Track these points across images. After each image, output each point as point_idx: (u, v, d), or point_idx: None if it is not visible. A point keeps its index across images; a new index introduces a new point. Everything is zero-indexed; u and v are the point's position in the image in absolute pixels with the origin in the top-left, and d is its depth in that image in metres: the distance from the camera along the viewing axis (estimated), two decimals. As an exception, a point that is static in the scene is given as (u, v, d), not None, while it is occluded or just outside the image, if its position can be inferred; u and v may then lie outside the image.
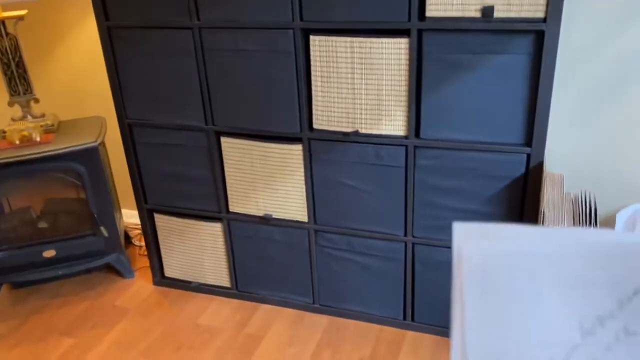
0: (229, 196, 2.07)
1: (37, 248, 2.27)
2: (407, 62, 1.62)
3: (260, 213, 2.05)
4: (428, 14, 1.55)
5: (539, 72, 1.51)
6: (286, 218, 2.02)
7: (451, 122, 1.67)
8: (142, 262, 2.53)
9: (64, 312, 2.26)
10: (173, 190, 2.14)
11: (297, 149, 1.88)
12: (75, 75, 2.53)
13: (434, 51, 1.59)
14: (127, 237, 2.69)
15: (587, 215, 1.80)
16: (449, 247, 1.84)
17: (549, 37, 1.46)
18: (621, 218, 1.88)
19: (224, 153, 2.00)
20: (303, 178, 1.92)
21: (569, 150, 1.92)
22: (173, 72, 1.90)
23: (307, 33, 1.71)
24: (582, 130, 1.86)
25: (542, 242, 0.33)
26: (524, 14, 1.45)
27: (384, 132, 1.75)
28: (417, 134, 1.73)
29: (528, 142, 1.62)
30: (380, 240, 1.93)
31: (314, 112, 1.81)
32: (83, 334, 2.14)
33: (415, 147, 1.74)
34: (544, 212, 1.56)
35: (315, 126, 1.83)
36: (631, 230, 1.87)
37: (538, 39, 1.48)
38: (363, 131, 1.77)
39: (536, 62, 1.51)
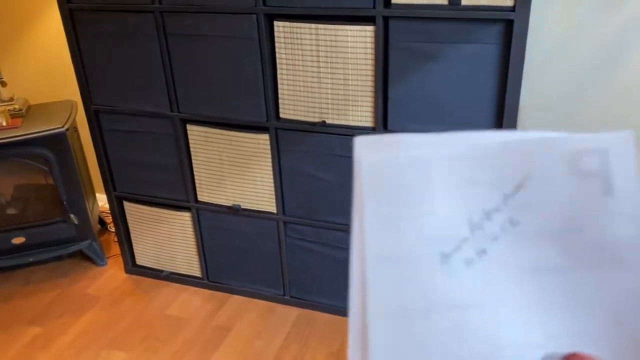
0: (197, 185, 2.02)
1: (6, 235, 2.24)
2: (373, 50, 1.55)
3: (229, 203, 2.00)
4: (394, 0, 1.47)
5: (508, 61, 1.43)
6: (255, 209, 1.97)
7: (419, 114, 1.60)
8: (117, 249, 2.50)
9: (33, 300, 2.23)
10: (141, 178, 2.09)
11: (264, 139, 1.82)
12: (47, 58, 2.46)
13: (401, 40, 1.52)
14: (103, 223, 2.65)
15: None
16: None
17: (518, 26, 1.38)
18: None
19: (190, 141, 1.94)
20: (271, 168, 1.87)
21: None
22: (137, 57, 1.84)
23: (271, 19, 1.64)
24: (563, 120, 1.79)
25: (435, 147, 0.35)
26: (492, 2, 1.38)
27: (351, 123, 1.69)
28: (385, 126, 1.67)
29: (497, 136, 1.55)
30: (350, 233, 1.87)
31: (280, 101, 1.75)
32: (50, 322, 2.11)
33: (383, 138, 1.67)
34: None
35: (282, 115, 1.77)
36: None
37: (507, 28, 1.41)
38: (330, 122, 1.71)
39: (505, 52, 1.44)
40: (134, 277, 2.35)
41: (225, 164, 1.92)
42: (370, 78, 1.60)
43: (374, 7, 1.50)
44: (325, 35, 1.58)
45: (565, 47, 1.67)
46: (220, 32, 1.68)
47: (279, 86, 1.72)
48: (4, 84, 2.21)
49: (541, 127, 1.82)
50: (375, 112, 1.64)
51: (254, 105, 1.77)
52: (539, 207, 0.34)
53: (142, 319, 2.10)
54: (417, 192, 0.36)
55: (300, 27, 1.60)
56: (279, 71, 1.70)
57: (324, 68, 1.63)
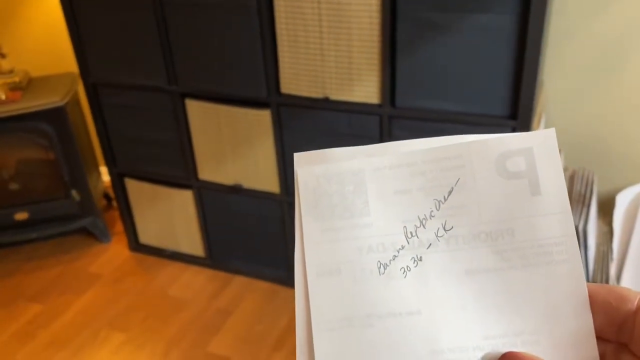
0: (198, 163, 1.94)
1: (9, 210, 2.20)
2: (380, 20, 1.43)
3: (231, 182, 1.92)
4: (401, -36, 1.34)
5: (526, 33, 1.30)
6: (257, 189, 1.89)
7: (429, 90, 1.48)
8: (121, 226, 2.45)
9: (35, 277, 2.21)
10: (142, 155, 2.02)
11: (264, 115, 1.73)
12: (49, 29, 2.39)
13: (409, 8, 1.39)
14: (109, 199, 2.61)
15: (583, 194, 1.62)
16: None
17: (538, -6, 1.25)
18: (623, 199, 1.69)
19: (189, 116, 1.85)
20: (273, 146, 1.77)
21: (571, 122, 1.72)
22: (133, 28, 1.74)
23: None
24: (586, 100, 1.65)
25: (368, 157, 0.36)
26: (509, -34, 1.24)
27: (355, 100, 1.58)
28: (392, 103, 1.55)
29: (513, 115, 1.43)
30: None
31: (281, 75, 1.64)
32: (52, 300, 2.08)
33: (390, 117, 1.56)
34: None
35: (283, 90, 1.67)
36: (634, 215, 1.68)
37: (526, -4, 1.27)
38: (334, 97, 1.60)
39: (523, 23, 1.30)
40: (137, 255, 2.30)
41: (225, 141, 1.84)
42: (377, 51, 1.48)
43: (380, -27, 1.38)
44: (328, 2, 1.46)
45: (594, 20, 1.52)
46: (218, 1, 1.58)
47: (280, 59, 1.61)
48: (3, 56, 2.15)
49: (561, 108, 1.69)
50: (382, 88, 1.53)
51: (253, 80, 1.67)
52: (470, 211, 0.34)
53: (143, 299, 2.06)
54: (352, 204, 0.36)
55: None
56: (279, 43, 1.59)
57: (327, 40, 1.51)
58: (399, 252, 0.35)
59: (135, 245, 2.30)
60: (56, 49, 2.41)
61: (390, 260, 0.35)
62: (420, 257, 0.35)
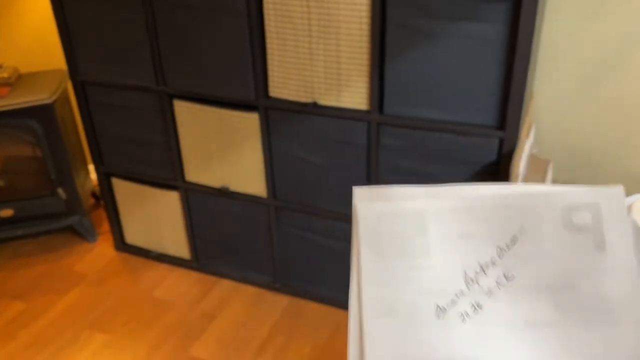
0: (185, 164, 1.92)
1: (-6, 207, 2.18)
2: (369, 26, 1.42)
3: (218, 184, 1.90)
4: (391, -30, 1.33)
5: (515, 43, 1.29)
6: (244, 192, 1.87)
7: (418, 98, 1.47)
8: (108, 225, 2.43)
9: (20, 275, 2.18)
10: (129, 155, 2.00)
11: (252, 118, 1.71)
12: (40, 24, 2.37)
13: (398, 14, 1.38)
14: (98, 197, 2.58)
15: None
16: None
17: (527, 4, 1.23)
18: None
19: (177, 117, 1.83)
20: (260, 150, 1.75)
21: (561, 133, 1.71)
22: (122, 26, 1.73)
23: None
24: (577, 110, 1.64)
25: (431, 198, 0.36)
26: (499, -25, 1.23)
27: (344, 105, 1.56)
28: (380, 110, 1.54)
29: (501, 125, 1.42)
30: (342, 222, 1.77)
31: (269, 78, 1.62)
32: (34, 299, 2.05)
33: (379, 124, 1.55)
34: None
35: (271, 94, 1.65)
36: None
37: (515, 7, 1.26)
38: (322, 102, 1.58)
39: (512, 34, 1.29)
40: (123, 255, 2.28)
41: (213, 143, 1.82)
42: (366, 57, 1.46)
43: (369, -22, 1.36)
44: (318, 6, 1.44)
45: (585, 31, 1.51)
46: (207, 3, 1.56)
47: (269, 63, 1.60)
48: (-9, 51, 2.12)
49: (552, 119, 1.67)
50: (371, 94, 1.51)
51: (242, 82, 1.65)
52: (533, 261, 0.34)
53: (127, 300, 2.03)
54: (412, 245, 0.36)
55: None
56: (268, 46, 1.57)
57: (316, 45, 1.50)
58: (458, 297, 0.35)
59: (121, 245, 2.27)
60: (47, 45, 2.39)
61: (448, 305, 0.35)
62: (480, 304, 0.35)
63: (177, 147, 1.89)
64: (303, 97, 1.60)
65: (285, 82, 1.60)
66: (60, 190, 2.19)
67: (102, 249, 2.32)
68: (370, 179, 1.65)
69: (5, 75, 2.14)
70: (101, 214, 2.51)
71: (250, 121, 1.72)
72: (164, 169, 1.96)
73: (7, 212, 2.20)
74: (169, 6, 1.62)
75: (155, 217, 2.11)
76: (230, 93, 1.69)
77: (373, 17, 1.40)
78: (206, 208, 1.98)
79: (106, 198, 2.16)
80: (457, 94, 1.42)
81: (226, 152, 1.81)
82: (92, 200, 2.55)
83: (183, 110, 1.81)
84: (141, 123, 1.90)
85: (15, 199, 2.21)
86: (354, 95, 1.53)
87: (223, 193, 1.90)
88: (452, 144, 1.48)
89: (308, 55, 1.52)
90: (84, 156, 2.40)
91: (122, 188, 2.11)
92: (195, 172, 1.92)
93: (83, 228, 2.33)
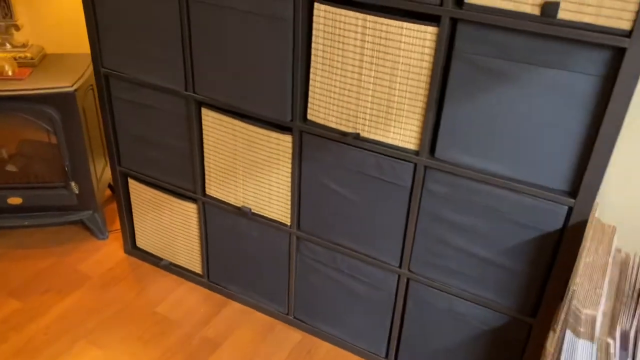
0: (207, 177, 1.76)
1: (3, 193, 2.05)
2: (432, 58, 1.22)
3: (239, 204, 1.73)
4: (468, -1, 1.13)
5: (607, 102, 1.08)
6: (266, 216, 1.70)
7: (476, 145, 1.27)
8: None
9: (21, 267, 2.06)
10: (148, 157, 1.84)
11: (285, 140, 1.53)
12: (73, 4, 2.22)
13: (469, 50, 1.18)
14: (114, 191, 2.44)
15: (634, 286, 1.38)
16: (449, 293, 1.48)
17: (631, 58, 1.02)
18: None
19: (204, 127, 1.67)
20: (290, 175, 1.58)
21: (628, 199, 1.49)
22: (156, 21, 1.56)
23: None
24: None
25: None
26: (601, 22, 1.02)
27: (390, 142, 1.37)
28: (431, 152, 1.34)
29: (573, 192, 1.21)
30: (370, 266, 1.58)
31: (310, 100, 1.44)
32: (32, 298, 1.92)
33: (427, 167, 1.35)
34: (573, 289, 1.17)
35: (309, 117, 1.47)
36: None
37: (615, 58, 1.05)
38: (365, 135, 1.40)
39: (606, 89, 1.08)
40: (132, 259, 2.13)
41: (239, 160, 1.65)
42: (423, 92, 1.27)
43: (440, 4, 1.16)
44: (375, 29, 1.25)
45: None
46: (250, 7, 1.38)
47: (311, 83, 1.41)
48: (17, 28, 1.98)
49: (620, 181, 1.45)
50: (423, 133, 1.32)
51: (278, 100, 1.47)
52: None
53: (129, 312, 1.89)
54: None
55: (345, 15, 1.27)
56: (312, 65, 1.39)
57: (368, 70, 1.31)
58: None
59: (131, 248, 2.13)
60: (79, 26, 2.25)
61: None
62: None
63: (201, 157, 1.73)
64: (344, 126, 1.41)
65: (327, 107, 1.41)
66: (73, 184, 2.05)
67: (111, 249, 2.18)
68: (408, 226, 1.45)
69: (28, 55, 2.00)
70: (114, 209, 2.37)
71: (283, 143, 1.54)
72: (184, 178, 1.80)
73: (16, 200, 2.07)
74: (208, 6, 1.44)
75: (169, 225, 1.95)
76: (264, 110, 1.51)
77: (438, 50, 1.20)
78: (223, 225, 1.81)
79: (120, 198, 2.01)
80: (525, 148, 1.21)
81: (252, 171, 1.64)
82: (108, 192, 2.41)
83: (211, 120, 1.64)
84: (165, 126, 1.74)
85: (26, 186, 2.07)
86: (403, 132, 1.34)
87: (243, 213, 1.73)
88: (508, 203, 1.28)
89: (356, 82, 1.33)
90: (104, 148, 2.25)
91: (138, 191, 1.96)
92: (217, 187, 1.75)
93: (94, 224, 2.19)
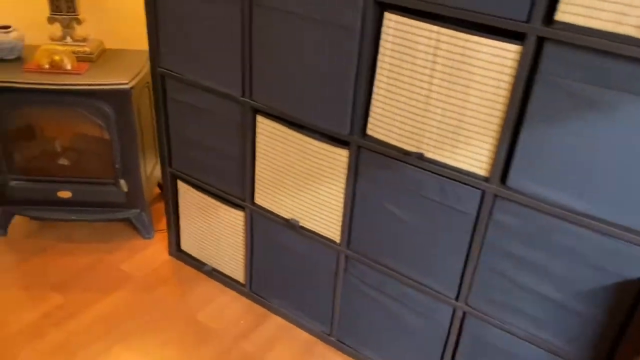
0: (256, 185, 1.69)
1: (53, 186, 2.05)
2: (512, 78, 1.11)
3: (287, 215, 1.65)
4: (558, 16, 1.01)
5: None
6: (315, 231, 1.61)
7: (556, 177, 1.14)
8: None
9: (67, 262, 2.05)
10: (199, 161, 1.80)
11: (342, 154, 1.44)
12: (136, 0, 2.20)
13: (556, 72, 1.06)
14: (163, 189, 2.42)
15: None
16: (510, 332, 1.36)
17: None
18: None
19: (257, 134, 1.60)
20: (343, 190, 1.49)
21: None
22: (216, 23, 1.50)
23: (382, 8, 1.23)
24: None
25: None
26: None
27: (457, 165, 1.26)
28: (502, 179, 1.23)
29: (666, 239, 1.07)
30: (423, 294, 1.48)
31: (370, 114, 1.35)
32: (74, 294, 1.91)
33: (496, 195, 1.24)
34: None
35: (369, 132, 1.38)
36: None
37: None
38: (429, 155, 1.29)
39: None
40: (176, 262, 2.10)
41: (291, 171, 1.57)
42: (498, 115, 1.15)
43: (527, 21, 1.05)
44: (450, 44, 1.15)
45: None
46: (316, 14, 1.30)
47: (374, 96, 1.32)
48: (79, 22, 1.97)
49: None
50: (495, 159, 1.20)
51: (337, 112, 1.38)
52: None
53: (169, 318, 1.85)
54: None
55: (417, 27, 1.18)
56: (377, 77, 1.29)
57: (438, 87, 1.20)
58: None
59: (176, 250, 2.09)
60: (139, 24, 2.23)
61: None
62: None
63: (252, 165, 1.66)
64: (407, 144, 1.31)
65: (389, 123, 1.32)
66: (122, 182, 2.03)
67: (155, 249, 2.15)
68: (470, 256, 1.34)
69: (87, 49, 1.99)
70: (162, 209, 2.34)
71: (338, 157, 1.45)
72: (233, 184, 1.74)
73: (66, 194, 2.06)
74: (270, 11, 1.37)
75: (215, 231, 1.90)
76: (321, 121, 1.43)
77: (520, 71, 1.08)
78: (270, 236, 1.75)
79: (168, 200, 1.98)
80: (612, 184, 1.08)
81: (303, 183, 1.56)
82: (157, 190, 2.39)
83: (265, 128, 1.57)
84: (218, 131, 1.68)
85: (76, 181, 2.07)
86: (473, 155, 1.23)
87: (291, 226, 1.66)
88: (588, 244, 1.15)
89: (424, 99, 1.23)
90: (155, 146, 2.23)
91: (186, 193, 1.92)
92: (266, 197, 1.68)
93: (140, 223, 2.17)
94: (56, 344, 1.71)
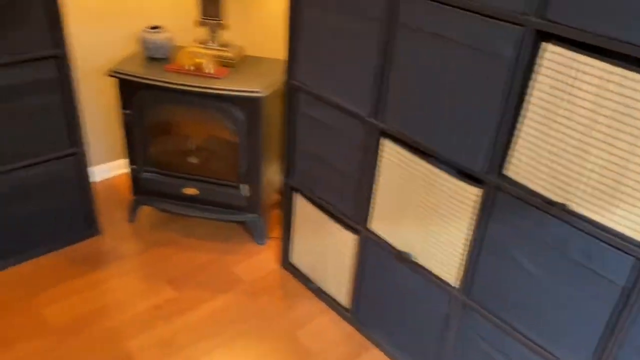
0: (373, 210, 1.61)
1: (181, 181, 2.13)
2: (698, 134, 0.91)
3: (402, 247, 1.55)
4: None
5: None
6: (430, 269, 1.49)
7: None
8: (280, 232, 2.25)
9: (185, 257, 2.12)
10: (319, 177, 1.75)
11: (474, 192, 1.31)
12: (278, 11, 2.23)
13: None
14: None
15: None
16: None
17: None
18: None
19: (381, 158, 1.52)
20: (469, 231, 1.35)
21: None
22: (353, 39, 1.45)
23: (541, 37, 1.08)
24: None
25: None
26: None
27: (609, 224, 1.08)
28: (667, 250, 1.02)
29: None
30: (547, 362, 1.29)
31: (512, 153, 1.20)
32: (187, 290, 1.96)
33: (656, 268, 1.04)
34: None
35: (506, 173, 1.23)
36: None
37: None
38: (576, 209, 1.12)
39: None
40: (284, 273, 2.08)
41: (413, 201, 1.47)
42: (673, 174, 0.96)
43: None
44: (621, 85, 0.98)
45: None
46: (464, 38, 1.19)
47: (517, 133, 1.17)
48: (224, 27, 2.03)
49: None
50: (659, 225, 1.01)
51: (474, 146, 1.25)
52: None
53: (271, 330, 1.82)
54: None
55: (582, 62, 1.02)
56: (524, 113, 1.15)
57: (600, 133, 1.03)
58: None
59: (286, 262, 2.08)
60: (279, 34, 2.26)
61: None
62: None
63: (371, 189, 1.58)
64: (551, 193, 1.15)
65: (533, 166, 1.16)
66: (244, 187, 2.06)
67: (267, 257, 2.15)
68: (616, 330, 1.14)
69: (229, 54, 2.04)
70: (277, 216, 2.35)
71: (469, 195, 1.32)
72: (350, 206, 1.68)
73: (192, 191, 2.14)
74: (416, 32, 1.28)
75: (325, 250, 1.85)
76: (454, 153, 1.31)
77: None
78: (380, 265, 1.65)
79: (285, 211, 1.96)
80: None
81: (424, 216, 1.45)
82: (276, 197, 2.40)
83: (391, 153, 1.48)
84: (341, 150, 1.62)
85: (202, 179, 2.13)
86: (632, 217, 1.04)
87: (404, 259, 1.55)
88: None
89: (579, 143, 1.07)
90: (278, 155, 2.24)
91: (302, 207, 1.89)
92: (382, 224, 1.59)
93: (256, 228, 2.18)
94: (163, 338, 1.76)
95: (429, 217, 1.44)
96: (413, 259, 1.53)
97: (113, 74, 1.95)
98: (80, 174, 2.03)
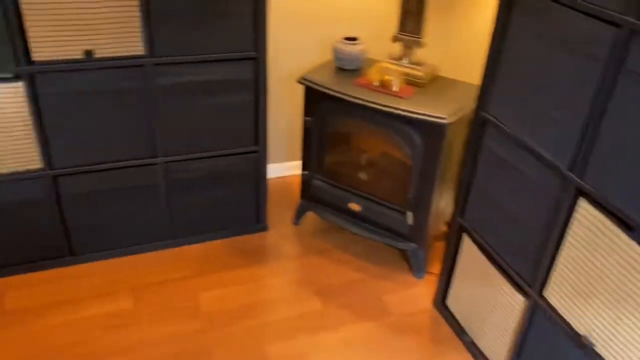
0: (552, 277, 1.37)
1: (347, 195, 2.09)
2: None
3: (581, 329, 1.29)
4: None
5: None
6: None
7: None
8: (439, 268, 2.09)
9: (337, 271, 2.08)
10: (493, 222, 1.56)
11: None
12: (480, 35, 2.05)
13: None
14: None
15: None
16: None
17: None
18: None
19: (573, 220, 1.28)
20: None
21: None
22: (564, 78, 1.23)
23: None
24: None
25: None
26: None
27: None
28: None
29: None
30: None
31: None
32: (332, 307, 1.92)
33: None
34: None
35: None
36: None
37: None
38: None
39: None
40: (436, 316, 1.91)
41: (604, 278, 1.21)
42: None
43: None
44: None
45: None
46: None
47: None
48: (420, 45, 1.92)
49: None
50: None
51: None
52: None
53: (408, 374, 1.69)
54: None
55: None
56: None
57: None
58: None
59: (440, 302, 1.91)
60: (479, 59, 2.08)
61: None
62: None
63: (553, 252, 1.35)
64: None
65: None
66: (410, 214, 1.94)
67: (421, 293, 2.01)
68: None
69: (420, 74, 1.93)
70: (440, 250, 2.18)
71: (683, 293, 1.03)
72: (524, 264, 1.46)
73: (355, 206, 2.08)
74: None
75: (487, 303, 1.65)
76: (673, 238, 1.03)
77: None
78: (549, 343, 1.41)
79: (450, 250, 1.80)
80: None
81: (617, 300, 1.18)
82: (443, 229, 2.23)
83: (587, 217, 1.24)
84: (525, 199, 1.42)
85: (368, 197, 2.06)
86: None
87: (582, 344, 1.29)
88: None
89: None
90: (452, 185, 2.07)
91: (469, 250, 1.71)
92: (559, 295, 1.35)
93: (415, 259, 2.05)
94: (299, 351, 1.73)
95: (623, 302, 1.17)
96: (594, 348, 1.26)
97: (302, 81, 1.97)
98: (258, 171, 2.10)
